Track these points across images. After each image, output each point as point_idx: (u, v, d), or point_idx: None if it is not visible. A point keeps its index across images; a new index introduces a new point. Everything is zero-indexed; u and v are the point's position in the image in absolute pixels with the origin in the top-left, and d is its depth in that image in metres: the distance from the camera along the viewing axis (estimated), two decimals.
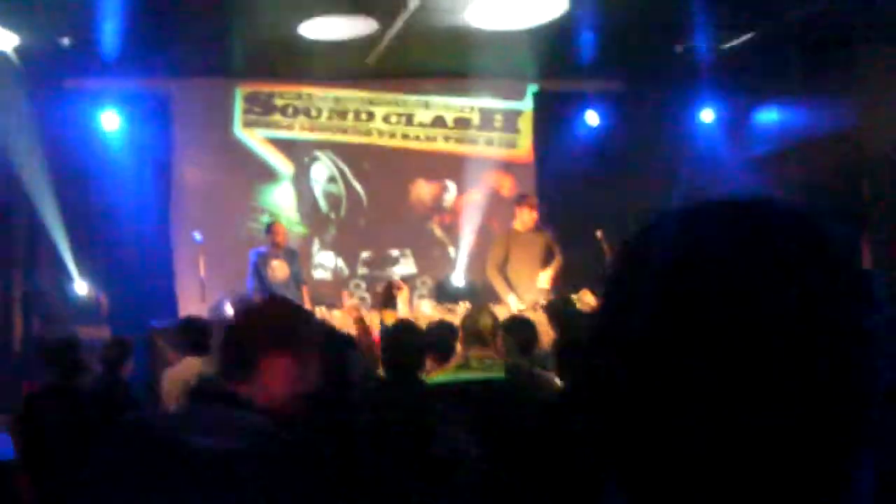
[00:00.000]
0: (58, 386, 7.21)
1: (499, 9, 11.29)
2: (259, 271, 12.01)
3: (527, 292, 11.24)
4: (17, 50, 11.45)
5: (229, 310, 11.72)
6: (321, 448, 3.43)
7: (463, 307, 10.91)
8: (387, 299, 9.48)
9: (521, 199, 11.94)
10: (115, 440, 2.95)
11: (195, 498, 2.75)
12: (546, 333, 8.88)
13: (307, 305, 11.24)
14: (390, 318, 8.31)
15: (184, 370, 7.55)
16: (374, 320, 8.99)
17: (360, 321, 8.65)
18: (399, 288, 10.95)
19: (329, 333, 4.60)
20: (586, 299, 11.04)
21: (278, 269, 12.00)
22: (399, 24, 11.15)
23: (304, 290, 12.30)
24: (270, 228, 12.27)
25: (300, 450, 3.00)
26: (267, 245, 12.26)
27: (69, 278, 12.66)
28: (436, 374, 6.52)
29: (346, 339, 4.63)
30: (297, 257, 12.46)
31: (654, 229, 1.19)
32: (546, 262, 11.72)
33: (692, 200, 1.22)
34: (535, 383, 6.37)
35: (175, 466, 2.72)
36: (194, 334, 8.03)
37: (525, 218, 11.66)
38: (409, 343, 5.87)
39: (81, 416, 6.46)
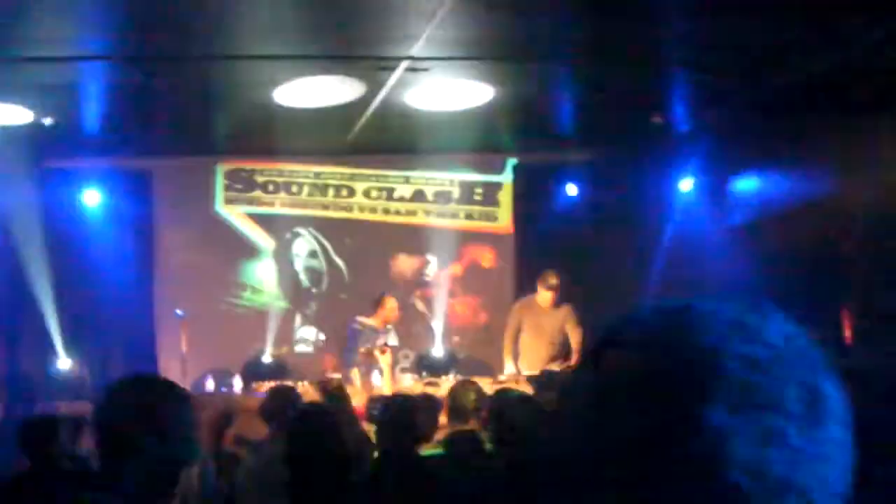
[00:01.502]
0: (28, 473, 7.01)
1: (433, 95, 11.62)
2: (364, 347, 11.86)
3: (531, 364, 11.37)
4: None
5: (210, 385, 11.66)
6: None
7: (445, 380, 10.90)
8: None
9: (540, 277, 12.39)
10: None
11: None
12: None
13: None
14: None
15: None
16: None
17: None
18: (382, 351, 10.94)
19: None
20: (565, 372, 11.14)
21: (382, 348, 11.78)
22: (374, 105, 11.16)
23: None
24: (382, 303, 12.23)
25: None
26: (373, 319, 12.24)
27: (53, 354, 12.56)
28: (425, 449, 6.49)
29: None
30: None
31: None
32: (558, 337, 12.29)
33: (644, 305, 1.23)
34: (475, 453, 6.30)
35: None
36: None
37: (543, 294, 12.26)
38: (406, 422, 5.81)
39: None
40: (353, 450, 4.59)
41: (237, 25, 9.13)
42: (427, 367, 12.55)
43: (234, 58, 9.86)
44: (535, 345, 12.23)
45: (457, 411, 7.00)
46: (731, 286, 12.63)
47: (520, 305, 12.63)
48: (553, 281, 12.14)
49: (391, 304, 12.25)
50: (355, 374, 11.78)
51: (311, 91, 11.01)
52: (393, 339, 13.98)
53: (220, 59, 9.89)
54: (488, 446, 6.65)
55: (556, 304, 12.26)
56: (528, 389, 9.92)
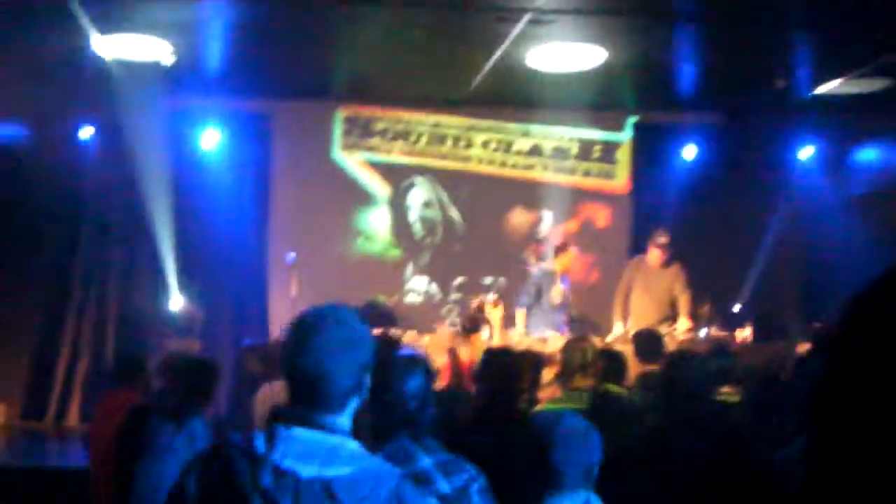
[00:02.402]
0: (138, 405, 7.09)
1: (558, 58, 11.79)
2: (541, 288, 12.18)
3: (639, 324, 11.65)
4: (125, 67, 11.49)
5: None
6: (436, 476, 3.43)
7: (553, 337, 10.84)
8: (473, 324, 9.37)
9: (651, 236, 12.52)
10: (216, 464, 3.02)
11: None
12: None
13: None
14: (477, 345, 8.21)
15: (276, 391, 7.34)
16: (464, 351, 8.85)
17: (450, 352, 8.59)
18: (495, 305, 10.94)
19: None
20: (675, 334, 11.02)
21: (559, 295, 12.12)
22: (495, 57, 11.08)
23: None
24: (564, 251, 12.36)
25: (410, 478, 3.12)
26: (552, 264, 12.46)
27: (166, 293, 12.71)
28: (542, 405, 6.44)
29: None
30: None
31: (874, 295, 1.25)
32: (667, 298, 12.35)
33: None
34: (619, 411, 6.22)
35: (284, 495, 2.86)
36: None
37: (654, 253, 12.38)
38: (506, 372, 5.74)
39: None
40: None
41: None
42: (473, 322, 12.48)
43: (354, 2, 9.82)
44: (644, 305, 12.35)
45: (577, 366, 6.94)
46: (848, 256, 12.41)
47: (631, 265, 12.76)
48: (662, 239, 12.19)
49: (572, 253, 12.42)
50: (520, 314, 12.12)
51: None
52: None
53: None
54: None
55: (666, 263, 12.34)
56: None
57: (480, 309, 11.27)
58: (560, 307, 12.18)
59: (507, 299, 13.08)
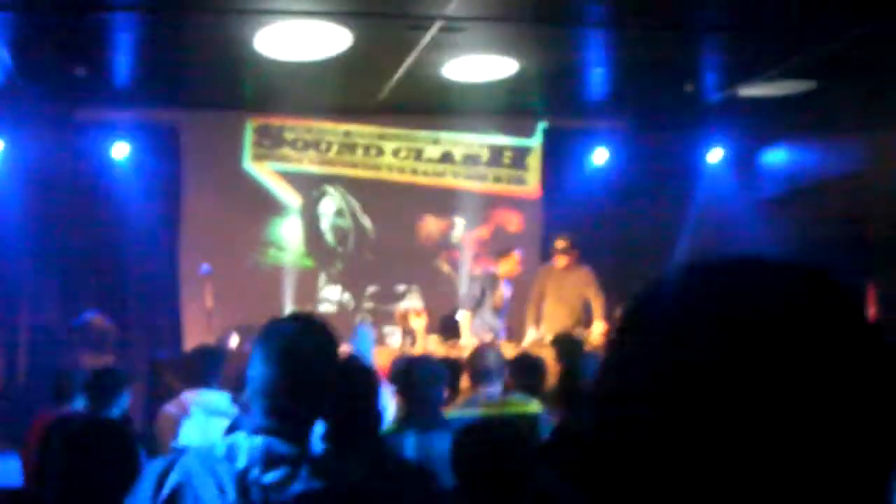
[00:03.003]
0: (85, 415, 7.06)
1: (479, 70, 12.06)
2: (484, 290, 12.31)
3: (553, 329, 11.88)
4: (30, 79, 11.40)
5: (234, 342, 11.67)
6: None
7: (467, 344, 10.94)
8: (451, 329, 9.44)
9: (553, 242, 12.76)
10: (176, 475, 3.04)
11: None
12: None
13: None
14: (384, 357, 8.28)
15: (183, 405, 7.29)
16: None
17: None
18: (418, 314, 11.06)
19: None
20: (596, 333, 11.16)
21: (500, 299, 12.30)
22: (405, 65, 11.15)
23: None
24: (507, 255, 12.47)
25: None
26: (496, 268, 12.55)
27: (77, 309, 12.57)
28: (446, 411, 6.46)
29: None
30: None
31: (656, 292, 1.23)
32: (578, 302, 12.54)
33: (689, 261, 1.27)
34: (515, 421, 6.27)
35: None
36: (203, 364, 7.68)
37: (559, 259, 12.59)
38: (431, 379, 5.79)
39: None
40: None
41: None
42: (450, 329, 12.51)
43: (263, 12, 9.79)
44: (556, 310, 12.50)
45: (480, 373, 7.00)
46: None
47: (541, 272, 12.96)
48: (561, 244, 12.49)
49: (516, 257, 12.45)
50: (465, 316, 12.23)
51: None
52: (415, 301, 14.07)
53: (246, 13, 9.82)
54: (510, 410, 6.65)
55: (570, 267, 12.48)
56: (551, 353, 9.94)
57: (405, 318, 11.36)
58: (500, 311, 12.30)
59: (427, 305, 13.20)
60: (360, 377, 4.60)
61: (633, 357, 1.18)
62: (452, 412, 6.61)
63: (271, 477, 2.91)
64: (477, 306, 12.29)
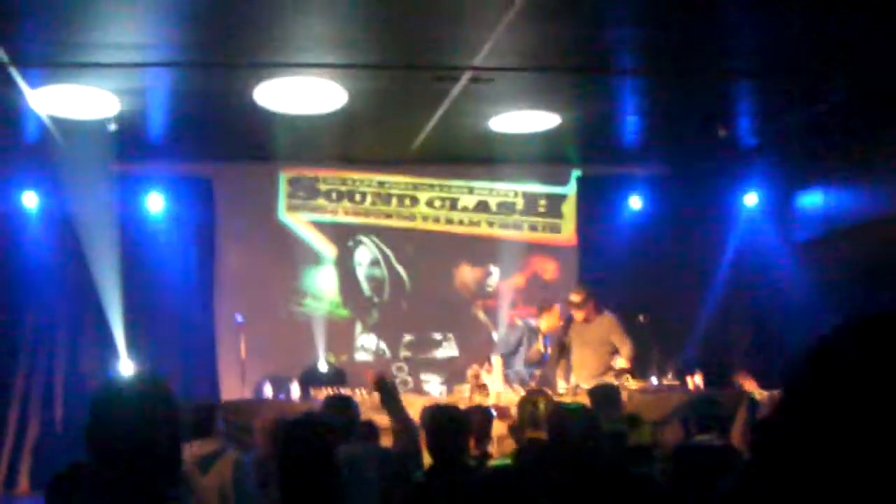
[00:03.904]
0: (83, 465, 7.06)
1: (513, 122, 12.20)
2: (521, 340, 12.46)
3: (582, 378, 11.85)
4: (67, 133, 11.56)
5: (268, 391, 11.69)
6: None
7: (502, 391, 10.97)
8: (480, 384, 9.45)
9: (568, 297, 12.54)
10: None
11: None
12: None
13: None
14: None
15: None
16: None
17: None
18: (489, 371, 11.21)
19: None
20: (628, 385, 11.10)
21: (536, 353, 12.36)
22: (437, 115, 11.23)
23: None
24: (549, 308, 12.54)
25: None
26: (540, 321, 12.59)
27: (115, 356, 12.70)
28: (495, 461, 6.48)
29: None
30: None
31: (836, 341, 1.28)
32: (604, 349, 12.32)
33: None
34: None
35: None
36: (198, 417, 7.66)
37: (575, 314, 12.44)
38: (453, 429, 5.78)
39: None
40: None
41: (297, 35, 9.15)
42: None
43: (298, 66, 9.89)
44: (583, 359, 12.40)
45: (524, 422, 7.01)
46: (794, 302, 12.54)
47: (563, 327, 12.70)
48: (575, 299, 12.37)
49: (557, 311, 12.51)
50: (497, 361, 12.18)
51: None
52: (452, 350, 14.08)
53: (279, 66, 9.91)
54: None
55: (588, 319, 12.38)
56: (586, 401, 9.95)
57: (477, 377, 11.42)
58: (532, 364, 12.29)
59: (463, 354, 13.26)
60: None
61: (823, 406, 1.23)
62: (499, 461, 6.64)
63: None
64: (511, 355, 12.30)
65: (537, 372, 12.40)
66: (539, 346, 12.36)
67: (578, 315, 12.38)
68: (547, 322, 12.46)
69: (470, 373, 11.81)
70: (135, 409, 3.13)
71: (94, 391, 3.25)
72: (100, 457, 3.09)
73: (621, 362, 12.02)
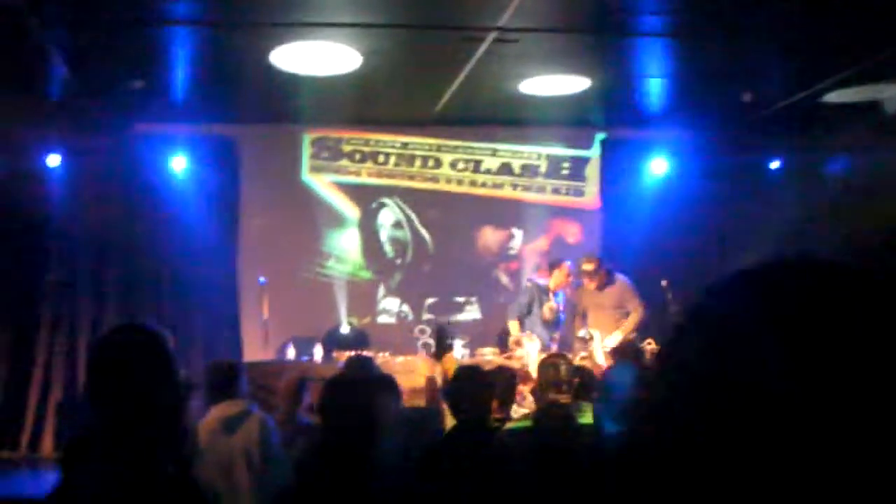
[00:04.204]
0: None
1: (539, 84, 12.18)
2: (532, 303, 12.49)
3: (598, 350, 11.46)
4: (92, 92, 11.55)
5: (291, 353, 11.71)
6: None
7: (524, 353, 10.96)
8: (441, 345, 9.40)
9: (578, 266, 12.62)
10: None
11: None
12: None
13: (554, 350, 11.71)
14: (450, 363, 8.24)
15: (206, 421, 7.30)
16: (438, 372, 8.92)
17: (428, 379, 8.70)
18: (529, 337, 11.23)
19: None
20: (650, 348, 11.09)
21: (553, 311, 12.45)
22: (462, 75, 11.13)
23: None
24: (558, 266, 12.62)
25: None
26: (547, 280, 12.70)
27: (137, 318, 12.66)
28: (514, 423, 6.45)
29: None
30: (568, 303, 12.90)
31: (707, 299, 1.22)
32: (620, 312, 12.42)
33: (740, 267, 1.24)
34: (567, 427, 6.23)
35: None
36: (222, 378, 7.63)
37: (586, 282, 12.53)
38: (475, 390, 5.77)
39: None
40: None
41: None
42: (507, 341, 12.50)
43: (318, 25, 9.83)
44: (601, 322, 12.36)
45: (551, 382, 6.99)
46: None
47: (577, 291, 12.85)
48: (588, 267, 12.43)
49: (566, 269, 12.55)
50: (514, 325, 12.30)
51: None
52: (475, 312, 14.08)
53: (302, 25, 9.86)
54: (578, 419, 6.63)
55: (601, 286, 12.46)
56: (610, 362, 10.02)
57: (518, 343, 11.44)
58: (550, 323, 12.29)
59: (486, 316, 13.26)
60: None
61: (685, 363, 1.17)
62: (521, 422, 6.62)
63: None
64: (525, 316, 12.30)
65: (556, 335, 12.40)
66: (551, 303, 12.39)
67: (591, 284, 12.43)
68: (556, 279, 12.50)
69: (511, 339, 11.83)
70: (131, 372, 3.13)
71: (89, 353, 3.26)
72: (101, 422, 3.10)
73: (584, 332, 12.07)
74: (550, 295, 12.47)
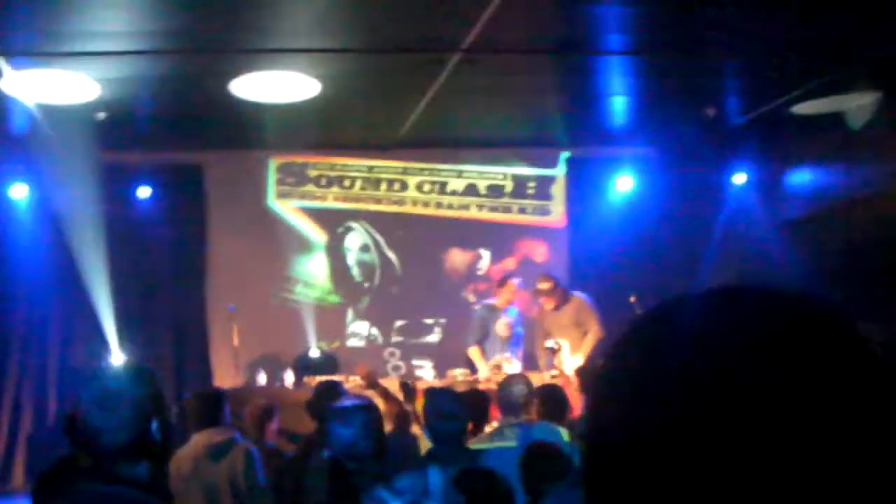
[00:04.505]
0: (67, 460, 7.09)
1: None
2: (486, 325, 12.42)
3: (565, 360, 11.83)
4: (55, 123, 11.49)
5: (262, 379, 11.68)
6: None
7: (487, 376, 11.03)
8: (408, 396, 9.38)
9: (535, 285, 12.66)
10: None
11: None
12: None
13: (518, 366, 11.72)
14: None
15: (191, 448, 7.31)
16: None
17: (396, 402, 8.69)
18: (508, 361, 11.25)
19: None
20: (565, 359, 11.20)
21: (507, 327, 12.30)
22: (426, 99, 11.16)
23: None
24: (504, 285, 12.60)
25: None
26: (495, 300, 12.71)
27: (107, 351, 12.63)
28: (472, 443, 6.44)
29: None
30: (521, 317, 12.82)
31: (654, 313, 1.22)
32: (580, 329, 12.40)
33: (700, 287, 1.23)
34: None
35: None
36: (207, 406, 7.63)
37: (543, 302, 12.56)
38: (452, 412, 5.77)
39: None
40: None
41: (282, 21, 9.10)
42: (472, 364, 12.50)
43: (277, 51, 9.85)
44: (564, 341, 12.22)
45: (507, 405, 7.00)
46: (784, 280, 12.54)
47: (537, 312, 12.87)
48: (544, 286, 12.47)
49: (512, 286, 12.52)
50: (474, 352, 12.30)
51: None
52: (444, 335, 14.06)
53: (259, 52, 9.87)
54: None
55: (558, 305, 12.49)
56: (576, 382, 10.07)
57: (499, 367, 11.42)
58: (509, 339, 12.27)
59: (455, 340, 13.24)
60: None
61: (621, 381, 1.17)
62: (478, 444, 6.61)
63: None
64: (482, 339, 12.30)
65: (518, 353, 12.36)
66: (503, 320, 12.38)
67: (548, 304, 12.46)
68: (503, 297, 12.49)
69: (492, 363, 11.82)
70: (123, 400, 3.17)
71: (82, 386, 3.31)
72: (80, 447, 3.20)
73: (551, 342, 12.08)
74: (499, 313, 12.46)
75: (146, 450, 3.25)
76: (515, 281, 12.62)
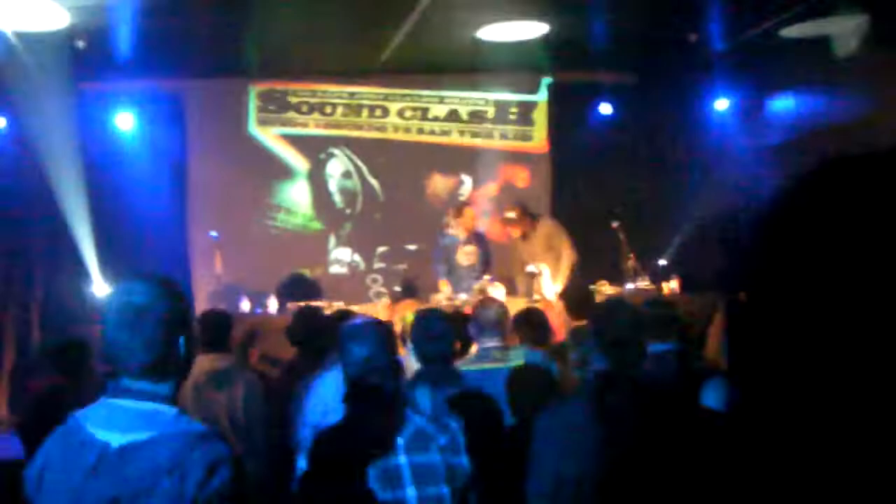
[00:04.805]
0: (59, 386, 7.14)
1: (487, 31, 12.17)
2: (449, 258, 12.45)
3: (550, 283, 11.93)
4: (35, 51, 11.37)
5: (245, 306, 11.67)
6: None
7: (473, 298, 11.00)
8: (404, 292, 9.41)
9: (504, 217, 12.86)
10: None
11: None
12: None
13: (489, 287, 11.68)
14: (405, 309, 8.26)
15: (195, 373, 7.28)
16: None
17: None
18: (493, 284, 11.25)
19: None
20: (603, 290, 11.12)
21: (469, 256, 12.31)
22: (408, 24, 11.05)
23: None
24: (460, 214, 12.54)
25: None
26: (454, 229, 12.61)
27: (88, 278, 12.58)
28: (458, 365, 6.45)
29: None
30: (486, 241, 12.79)
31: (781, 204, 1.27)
32: (554, 252, 12.45)
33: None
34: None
35: (88, 462, 3.11)
36: (212, 329, 7.62)
37: (511, 231, 12.79)
38: (441, 333, 5.80)
39: None
40: None
41: None
42: (458, 286, 12.52)
43: None
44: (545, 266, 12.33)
45: (483, 326, 7.01)
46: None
47: (510, 243, 12.99)
48: (511, 215, 12.62)
49: (469, 213, 12.54)
50: (443, 284, 12.31)
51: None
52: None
53: None
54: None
55: (528, 232, 12.57)
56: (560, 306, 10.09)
57: (483, 292, 11.39)
58: (472, 268, 12.25)
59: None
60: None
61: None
62: (464, 366, 6.64)
63: (104, 434, 3.10)
64: (451, 272, 12.33)
65: (487, 277, 12.34)
66: (465, 248, 12.38)
67: (515, 232, 12.59)
68: (462, 225, 12.45)
69: (477, 287, 11.81)
70: (151, 317, 3.15)
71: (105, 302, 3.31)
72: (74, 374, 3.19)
73: (532, 267, 12.14)
74: (459, 243, 12.43)
75: (171, 367, 3.23)
76: (471, 208, 12.67)
